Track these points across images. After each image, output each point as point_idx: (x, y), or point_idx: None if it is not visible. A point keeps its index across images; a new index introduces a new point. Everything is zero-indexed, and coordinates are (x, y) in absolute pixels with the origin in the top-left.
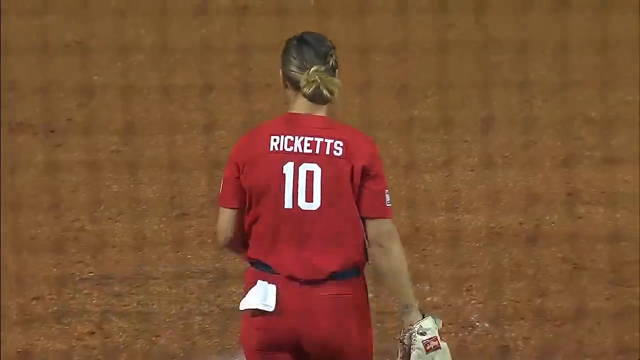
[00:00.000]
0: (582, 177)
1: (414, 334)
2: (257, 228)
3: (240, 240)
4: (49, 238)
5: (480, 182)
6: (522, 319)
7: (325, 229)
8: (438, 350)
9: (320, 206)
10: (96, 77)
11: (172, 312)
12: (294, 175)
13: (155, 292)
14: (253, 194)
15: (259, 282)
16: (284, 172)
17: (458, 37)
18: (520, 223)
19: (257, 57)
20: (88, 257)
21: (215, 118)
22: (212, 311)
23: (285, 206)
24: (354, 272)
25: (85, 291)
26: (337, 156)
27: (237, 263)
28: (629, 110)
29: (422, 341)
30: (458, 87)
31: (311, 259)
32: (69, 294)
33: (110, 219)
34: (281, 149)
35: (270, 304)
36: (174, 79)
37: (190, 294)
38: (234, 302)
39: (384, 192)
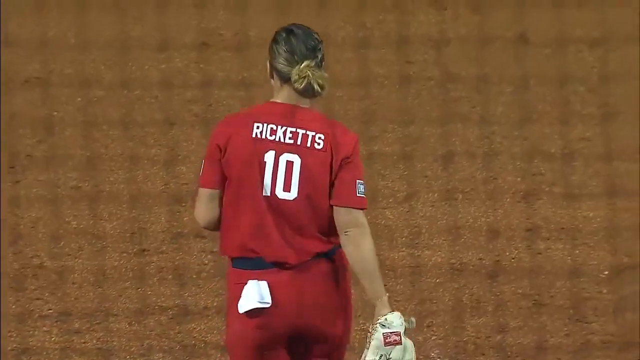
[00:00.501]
0: (542, 213)
1: (376, 325)
2: (236, 215)
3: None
4: (8, 274)
5: (440, 218)
6: (483, 355)
7: (302, 218)
8: (397, 346)
9: (297, 197)
10: (56, 112)
11: (133, 349)
12: (274, 164)
13: (115, 329)
14: (232, 179)
15: (250, 281)
16: (264, 159)
17: (418, 73)
18: (480, 259)
19: (217, 93)
20: (47, 294)
21: (176, 154)
22: (172, 348)
23: (264, 194)
24: (336, 250)
25: (45, 328)
26: (318, 149)
27: (197, 299)
28: (588, 146)
29: (383, 333)
30: (418, 122)
31: (296, 243)
32: (28, 331)
33: (69, 255)
34: (263, 136)
35: (267, 300)
36: (134, 115)
37: (151, 331)
38: (194, 338)
39: (355, 181)
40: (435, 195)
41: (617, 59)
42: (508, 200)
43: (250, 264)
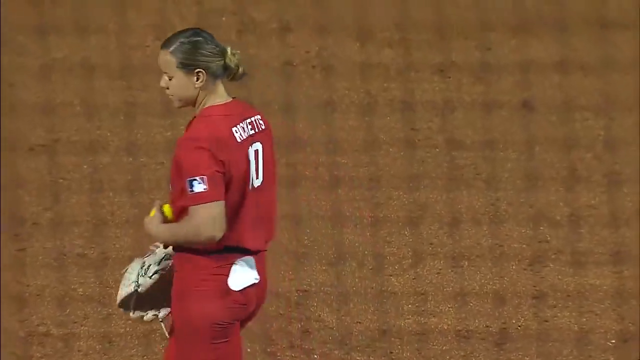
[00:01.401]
0: (549, 280)
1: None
2: (233, 216)
3: None
4: (14, 343)
5: (447, 285)
6: None
7: (269, 201)
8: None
9: (263, 180)
10: (62, 180)
11: None
12: (254, 158)
13: None
14: (232, 184)
15: (241, 259)
16: (249, 158)
17: (423, 140)
18: (487, 326)
19: None
20: None
21: None
22: None
23: (249, 188)
24: None
25: None
26: (264, 129)
27: None
28: (594, 213)
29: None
30: (423, 189)
31: (265, 233)
32: None
33: (75, 322)
34: (243, 137)
35: (258, 277)
36: (140, 181)
37: None
38: None
39: None
40: (442, 262)
41: (622, 126)
42: (514, 267)
43: (236, 249)
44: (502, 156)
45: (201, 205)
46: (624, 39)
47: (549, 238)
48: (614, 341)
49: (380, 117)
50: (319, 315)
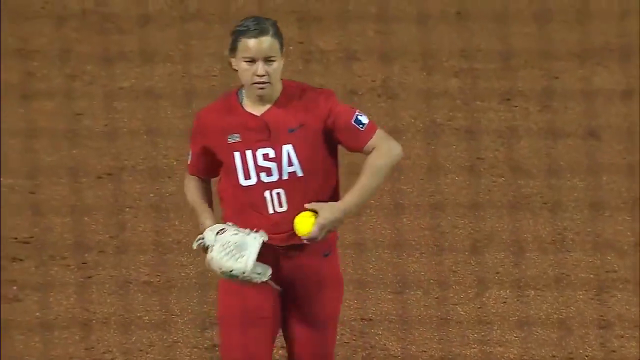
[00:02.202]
0: (616, 310)
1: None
2: None
3: None
4: None
5: (512, 314)
6: None
7: None
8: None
9: None
10: (128, 208)
11: None
12: None
13: None
14: None
15: None
16: None
17: (488, 169)
18: (553, 356)
19: None
20: None
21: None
22: None
23: None
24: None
25: None
26: None
27: None
28: None
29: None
30: (490, 216)
31: None
32: None
33: (141, 350)
34: None
35: None
36: None
37: None
38: None
39: None
40: (507, 290)
41: None
42: (581, 296)
43: None
44: (569, 185)
45: (379, 129)
46: None
47: (616, 267)
48: None
49: (445, 145)
50: (384, 344)
